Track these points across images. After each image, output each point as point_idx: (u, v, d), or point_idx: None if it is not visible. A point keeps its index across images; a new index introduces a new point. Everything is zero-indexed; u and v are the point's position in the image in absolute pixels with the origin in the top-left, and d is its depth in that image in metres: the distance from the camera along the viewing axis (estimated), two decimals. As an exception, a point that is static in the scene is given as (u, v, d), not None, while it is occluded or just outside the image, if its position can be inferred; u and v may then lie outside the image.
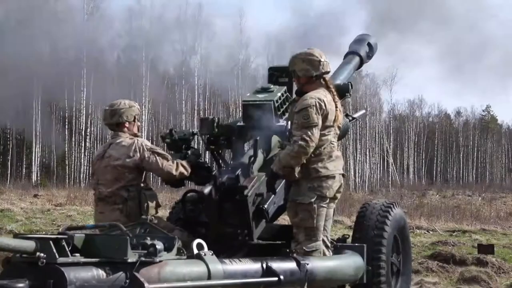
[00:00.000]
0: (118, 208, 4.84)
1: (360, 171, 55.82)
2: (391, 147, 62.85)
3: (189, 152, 5.53)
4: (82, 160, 41.28)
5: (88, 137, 42.22)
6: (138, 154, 4.92)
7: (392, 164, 61.28)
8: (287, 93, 5.63)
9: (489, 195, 40.18)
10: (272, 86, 5.63)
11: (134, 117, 5.10)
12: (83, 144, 41.75)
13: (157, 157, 4.95)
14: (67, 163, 43.14)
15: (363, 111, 9.76)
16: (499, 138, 79.90)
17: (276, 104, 5.44)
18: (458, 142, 74.36)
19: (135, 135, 5.13)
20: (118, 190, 4.90)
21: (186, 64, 45.91)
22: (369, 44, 7.44)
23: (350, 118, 6.27)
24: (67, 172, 42.26)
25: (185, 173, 5.09)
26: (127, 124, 5.07)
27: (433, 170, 71.17)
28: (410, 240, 6.37)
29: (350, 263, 4.57)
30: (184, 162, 5.14)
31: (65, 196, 22.73)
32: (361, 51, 7.32)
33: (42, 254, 2.89)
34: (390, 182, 56.95)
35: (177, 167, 5.03)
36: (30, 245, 2.90)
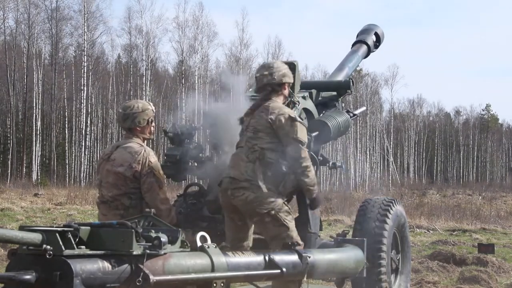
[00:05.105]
0: (120, 214, 4.77)
1: (360, 170, 55.82)
2: (391, 146, 62.87)
3: (191, 146, 5.57)
4: (82, 159, 41.27)
5: (88, 136, 42.21)
6: (139, 168, 4.80)
7: (392, 163, 61.30)
8: (290, 89, 5.65)
9: (489, 194, 40.17)
10: None
11: (148, 121, 4.94)
12: (83, 143, 41.74)
13: (153, 180, 4.82)
14: (67, 162, 43.16)
15: (364, 107, 9.86)
16: (499, 137, 79.95)
17: None
18: (458, 141, 74.41)
19: (148, 138, 5.02)
20: (120, 196, 4.83)
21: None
22: (376, 34, 7.58)
23: (351, 114, 6.34)
24: (67, 171, 42.27)
25: (167, 218, 4.74)
26: (139, 129, 4.94)
27: (433, 169, 71.23)
28: (410, 241, 6.39)
29: (351, 256, 4.61)
30: (173, 211, 4.99)
31: (65, 195, 22.75)
32: (368, 40, 7.48)
33: (48, 247, 2.91)
34: (390, 181, 56.95)
35: (163, 201, 4.87)
36: (37, 237, 2.92)
